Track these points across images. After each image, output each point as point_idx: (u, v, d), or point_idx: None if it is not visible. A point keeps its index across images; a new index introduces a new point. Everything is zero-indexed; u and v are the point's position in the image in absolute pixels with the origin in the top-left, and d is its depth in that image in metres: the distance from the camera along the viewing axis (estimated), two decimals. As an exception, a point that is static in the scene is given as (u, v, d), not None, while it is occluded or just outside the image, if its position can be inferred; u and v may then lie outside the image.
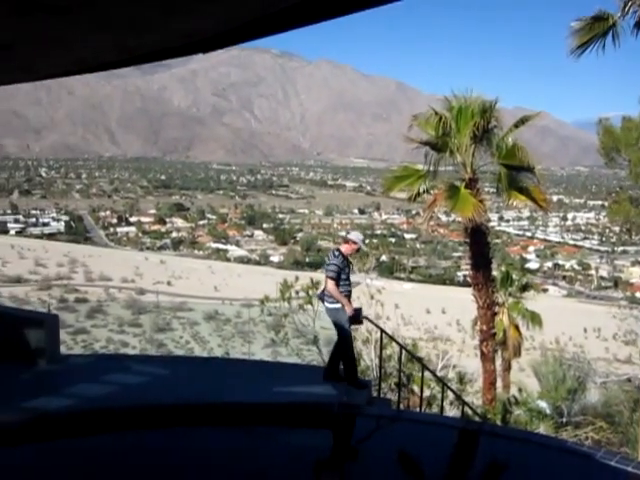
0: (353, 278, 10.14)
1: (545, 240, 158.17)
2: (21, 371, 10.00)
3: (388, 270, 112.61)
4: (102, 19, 3.18)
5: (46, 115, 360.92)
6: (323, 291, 9.73)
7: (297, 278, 16.47)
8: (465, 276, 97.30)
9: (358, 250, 10.05)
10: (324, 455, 7.51)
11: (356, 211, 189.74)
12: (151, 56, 4.55)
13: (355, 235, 9.87)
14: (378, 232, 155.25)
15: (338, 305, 9.42)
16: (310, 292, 15.45)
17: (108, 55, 4.37)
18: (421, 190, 17.92)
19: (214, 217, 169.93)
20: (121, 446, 8.06)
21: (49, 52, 4.23)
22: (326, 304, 9.62)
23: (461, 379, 18.23)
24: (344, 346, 9.78)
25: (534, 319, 25.68)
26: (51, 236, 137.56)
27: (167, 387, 9.50)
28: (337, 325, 9.61)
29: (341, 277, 9.48)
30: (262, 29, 3.80)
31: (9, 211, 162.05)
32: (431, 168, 17.72)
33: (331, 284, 9.35)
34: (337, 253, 9.55)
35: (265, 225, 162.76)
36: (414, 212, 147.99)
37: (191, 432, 8.30)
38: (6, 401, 8.68)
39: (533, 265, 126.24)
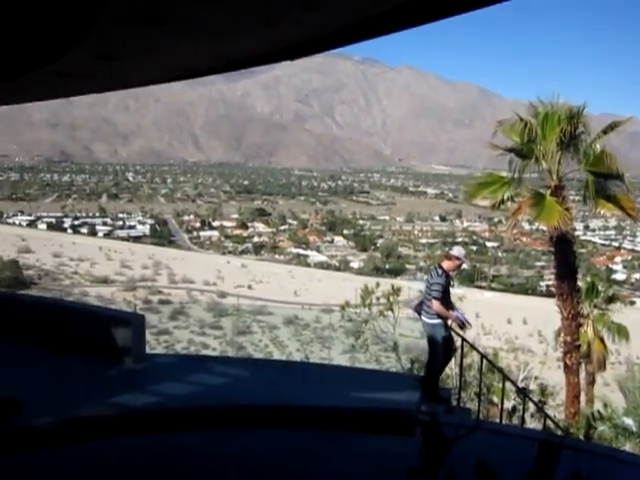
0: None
1: (633, 250, 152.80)
2: (108, 368, 10.31)
3: (469, 278, 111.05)
4: (198, 29, 3.28)
5: (133, 122, 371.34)
6: (421, 304, 9.66)
7: (378, 284, 16.42)
8: (548, 286, 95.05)
9: (460, 266, 9.96)
10: (401, 463, 7.47)
11: (437, 218, 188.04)
12: (243, 63, 4.65)
13: (457, 250, 9.72)
14: (459, 240, 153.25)
15: (437, 321, 9.38)
16: (391, 299, 15.38)
17: (203, 63, 4.49)
18: (505, 197, 17.61)
19: (295, 222, 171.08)
20: (202, 445, 8.24)
21: (147, 61, 4.37)
22: (424, 318, 9.55)
23: (543, 391, 17.86)
24: (432, 361, 9.73)
25: (620, 332, 24.83)
26: (137, 239, 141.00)
27: (248, 389, 9.63)
28: (431, 340, 9.57)
29: (444, 295, 9.41)
30: (353, 35, 3.84)
31: (98, 214, 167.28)
32: (515, 175, 17.42)
33: (437, 304, 9.26)
34: (440, 271, 9.41)
35: (345, 231, 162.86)
36: (496, 220, 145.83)
37: (270, 434, 8.42)
38: (94, 396, 8.98)
39: (620, 276, 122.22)
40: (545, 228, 17.69)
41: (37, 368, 10.38)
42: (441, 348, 9.61)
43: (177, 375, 10.18)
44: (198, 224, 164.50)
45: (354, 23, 3.45)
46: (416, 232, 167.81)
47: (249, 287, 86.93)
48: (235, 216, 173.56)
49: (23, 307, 12.31)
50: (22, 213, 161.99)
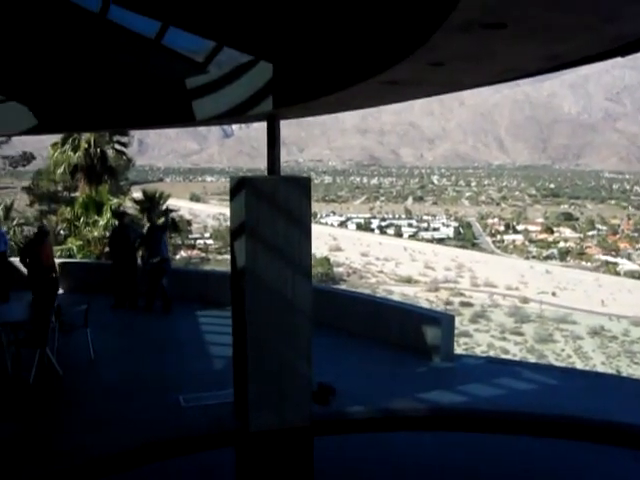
0: None
1: None
2: (418, 365, 10.71)
3: None
4: (536, 31, 3.30)
5: (438, 125, 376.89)
6: None
7: None
8: None
9: None
10: None
11: None
12: (572, 63, 4.57)
13: None
14: None
15: None
16: None
17: (533, 64, 4.48)
18: None
19: (604, 228, 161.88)
20: (503, 448, 8.22)
21: (476, 65, 4.48)
22: None
23: None
24: None
25: None
26: (440, 241, 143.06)
27: (554, 398, 9.39)
28: None
29: None
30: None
31: (403, 216, 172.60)
32: None
33: None
34: None
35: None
36: None
37: (569, 446, 8.13)
38: (403, 391, 9.40)
39: None
40: None
41: (352, 359, 11.09)
42: None
43: (485, 377, 10.24)
44: (502, 227, 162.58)
45: None
46: None
47: (553, 294, 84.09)
48: (540, 220, 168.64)
49: (342, 301, 13.21)
50: (334, 214, 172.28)
